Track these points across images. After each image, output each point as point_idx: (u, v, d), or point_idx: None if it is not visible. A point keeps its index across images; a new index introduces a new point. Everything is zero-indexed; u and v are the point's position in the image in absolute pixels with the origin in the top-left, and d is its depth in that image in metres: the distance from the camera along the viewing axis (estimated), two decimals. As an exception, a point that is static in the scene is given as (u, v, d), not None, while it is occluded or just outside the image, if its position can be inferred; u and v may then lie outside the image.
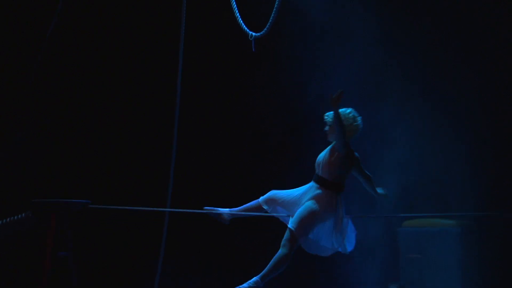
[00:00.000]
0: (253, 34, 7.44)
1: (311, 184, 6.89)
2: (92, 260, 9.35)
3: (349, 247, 6.90)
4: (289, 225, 6.72)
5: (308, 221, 6.67)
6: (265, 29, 7.31)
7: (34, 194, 7.77)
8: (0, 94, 9.47)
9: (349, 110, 6.88)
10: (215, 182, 10.07)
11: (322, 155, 6.89)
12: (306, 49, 10.10)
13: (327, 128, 6.89)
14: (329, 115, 6.83)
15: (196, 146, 9.99)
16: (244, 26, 7.46)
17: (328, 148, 6.90)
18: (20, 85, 9.44)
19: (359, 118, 6.91)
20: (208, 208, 7.00)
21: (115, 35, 10.02)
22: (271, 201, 6.97)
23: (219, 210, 7.00)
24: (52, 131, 9.60)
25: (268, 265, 6.64)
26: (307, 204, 6.75)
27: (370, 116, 9.26)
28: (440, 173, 9.55)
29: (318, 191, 6.78)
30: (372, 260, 9.41)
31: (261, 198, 7.02)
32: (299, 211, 6.75)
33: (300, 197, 6.87)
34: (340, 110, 6.69)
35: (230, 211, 7.01)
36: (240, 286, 6.58)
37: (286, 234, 6.72)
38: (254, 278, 6.61)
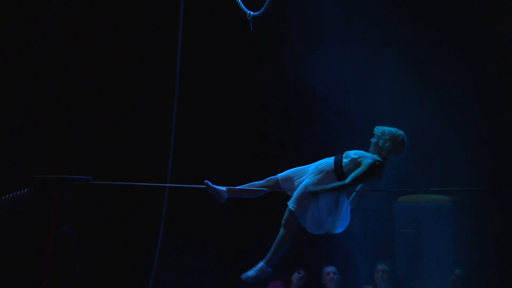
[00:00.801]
0: (251, 13, 7.44)
1: (331, 164, 6.69)
2: (94, 235, 9.43)
3: (340, 228, 6.79)
4: (288, 204, 6.66)
5: (305, 199, 6.59)
6: (263, 8, 7.28)
7: (37, 170, 7.75)
8: (2, 71, 9.48)
9: (400, 132, 6.65)
10: (215, 157, 10.06)
11: (353, 155, 6.63)
12: (305, 29, 10.12)
13: (374, 139, 6.67)
14: (379, 129, 6.66)
15: (196, 121, 10.05)
16: (242, 5, 7.45)
17: (365, 161, 6.58)
18: (22, 63, 9.54)
19: (406, 144, 6.67)
20: (209, 184, 6.85)
21: (114, 14, 10.04)
22: (287, 180, 6.84)
23: (217, 188, 6.88)
24: (54, 108, 9.64)
25: (271, 248, 6.60)
26: (306, 181, 6.67)
27: (364, 91, 9.70)
28: (433, 148, 9.57)
29: (325, 172, 6.65)
30: (367, 235, 9.45)
31: (280, 175, 6.89)
32: (297, 189, 6.69)
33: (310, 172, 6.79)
34: (392, 129, 6.61)
35: (227, 189, 6.90)
36: (247, 274, 6.59)
37: (286, 213, 6.65)
38: (259, 264, 6.60)
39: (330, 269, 9.39)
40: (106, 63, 9.85)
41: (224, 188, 6.87)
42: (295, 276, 9.36)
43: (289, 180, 6.81)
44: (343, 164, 6.59)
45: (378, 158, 6.53)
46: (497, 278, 9.38)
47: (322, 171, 6.66)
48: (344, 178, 6.55)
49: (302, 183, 6.70)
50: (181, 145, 9.14)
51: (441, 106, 9.65)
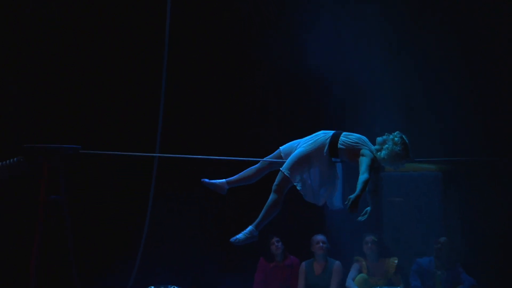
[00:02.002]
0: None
1: (327, 137, 6.71)
2: (85, 204, 9.41)
3: (339, 203, 6.87)
4: (281, 169, 6.69)
5: (298, 161, 6.64)
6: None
7: (26, 139, 7.78)
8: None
9: (398, 139, 6.56)
10: (204, 127, 10.04)
11: (352, 141, 6.65)
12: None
13: (385, 138, 6.60)
14: (385, 138, 6.59)
15: (186, 90, 9.97)
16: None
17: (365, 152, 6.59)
18: (10, 32, 9.45)
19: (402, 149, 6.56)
20: (205, 181, 6.94)
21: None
22: (290, 152, 6.84)
23: (215, 182, 6.94)
24: (44, 77, 9.53)
25: (261, 213, 6.64)
26: (299, 149, 6.74)
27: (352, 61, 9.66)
28: (422, 118, 9.58)
29: (319, 144, 6.70)
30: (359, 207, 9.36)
31: (282, 148, 6.94)
32: (292, 155, 6.74)
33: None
34: (392, 136, 6.56)
35: (226, 180, 6.97)
36: (236, 236, 6.60)
37: (277, 178, 6.70)
38: (249, 228, 6.63)
39: (319, 237, 9.44)
40: (96, 33, 9.73)
41: (223, 180, 6.95)
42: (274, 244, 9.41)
43: (291, 152, 6.83)
44: (339, 141, 6.63)
45: (374, 152, 6.57)
46: (482, 246, 9.44)
47: (316, 141, 6.71)
48: (336, 155, 6.65)
49: (296, 150, 6.76)
50: (170, 115, 9.28)
51: (430, 76, 9.68)
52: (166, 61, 8.79)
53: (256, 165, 6.99)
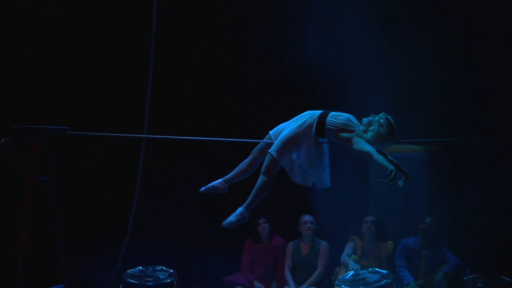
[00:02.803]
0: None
1: (314, 117, 6.68)
2: (71, 186, 9.32)
3: (328, 181, 6.89)
4: (270, 151, 6.67)
5: (286, 143, 6.63)
6: None
7: (14, 120, 7.70)
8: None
9: (384, 120, 6.51)
10: (192, 108, 10.03)
11: (340, 122, 6.60)
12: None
13: (370, 119, 6.57)
14: (371, 119, 6.54)
15: (174, 71, 9.93)
16: None
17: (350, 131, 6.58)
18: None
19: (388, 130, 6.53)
20: (203, 189, 6.91)
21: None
22: (279, 134, 6.79)
23: (212, 184, 6.91)
24: (31, 58, 9.46)
25: (251, 194, 6.65)
26: (289, 128, 6.73)
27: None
28: (408, 99, 9.57)
29: (307, 124, 6.68)
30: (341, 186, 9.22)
31: (271, 131, 6.89)
32: (279, 137, 6.72)
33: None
34: (378, 118, 6.53)
35: (223, 179, 6.92)
36: (227, 220, 6.61)
37: (266, 160, 6.69)
38: (239, 209, 6.65)
39: (307, 218, 9.48)
40: (82, 13, 9.66)
41: (220, 180, 6.92)
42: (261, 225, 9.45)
43: (280, 134, 6.80)
44: (326, 122, 6.61)
45: (361, 134, 6.56)
46: (467, 226, 9.52)
47: (303, 122, 6.69)
48: (324, 136, 6.63)
49: (284, 131, 6.74)
50: (158, 96, 9.33)
51: (416, 57, 9.64)
52: (154, 42, 8.80)
53: (249, 157, 6.98)
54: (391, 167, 6.19)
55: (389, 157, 6.81)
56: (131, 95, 9.61)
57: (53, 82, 9.55)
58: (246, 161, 6.96)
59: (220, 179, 6.93)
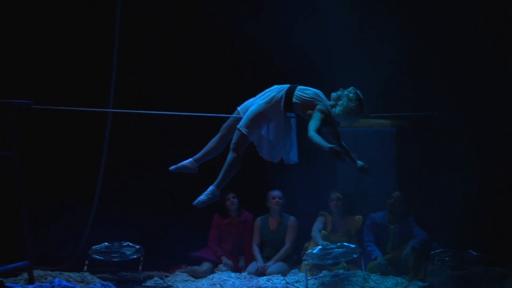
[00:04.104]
0: None
1: (282, 93, 6.70)
2: (36, 160, 9.35)
3: (295, 157, 6.94)
4: (238, 127, 6.68)
5: (255, 118, 6.64)
6: None
7: None
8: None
9: (353, 95, 6.55)
10: (159, 81, 9.96)
11: (307, 96, 6.64)
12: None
13: (339, 93, 6.61)
14: (340, 94, 6.59)
15: (140, 44, 9.85)
16: None
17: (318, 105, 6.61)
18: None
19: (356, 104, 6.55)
20: (173, 168, 6.90)
21: None
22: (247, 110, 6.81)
23: (183, 164, 6.90)
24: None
25: (221, 172, 6.66)
26: (257, 103, 6.74)
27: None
28: (376, 72, 9.50)
29: (274, 100, 6.68)
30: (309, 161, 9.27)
31: (239, 107, 6.90)
32: (247, 112, 6.73)
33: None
34: (346, 92, 6.56)
35: (193, 159, 6.90)
36: (198, 199, 6.62)
37: (235, 136, 6.71)
38: (210, 188, 6.66)
39: (275, 193, 9.47)
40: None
41: (190, 160, 6.89)
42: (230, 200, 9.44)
43: (248, 109, 6.80)
44: (294, 96, 6.62)
45: (329, 108, 6.57)
46: (435, 200, 9.54)
47: (272, 97, 6.69)
48: (291, 110, 6.66)
49: (251, 107, 6.74)
50: (125, 70, 9.17)
51: (385, 30, 9.60)
52: (119, 14, 8.72)
53: (217, 134, 6.95)
54: (327, 145, 6.18)
55: (342, 142, 6.87)
56: (97, 69, 9.49)
57: (17, 55, 9.47)
58: (215, 139, 6.93)
59: (190, 159, 6.89)
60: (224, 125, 6.94)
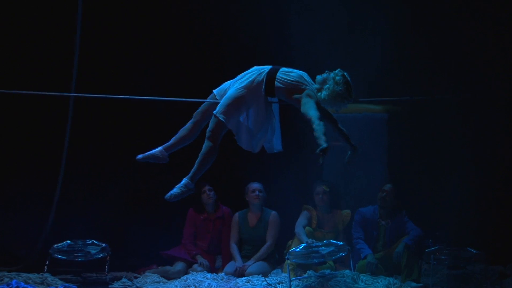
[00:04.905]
0: None
1: (263, 75, 6.51)
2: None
3: (278, 146, 6.79)
4: (215, 113, 6.50)
5: (233, 103, 6.45)
6: None
7: None
8: None
9: (340, 77, 6.40)
10: (122, 65, 9.68)
11: (292, 79, 6.46)
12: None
13: (325, 76, 6.47)
14: (326, 77, 6.45)
15: (106, 25, 9.61)
16: None
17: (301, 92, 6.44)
18: None
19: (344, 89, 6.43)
20: (140, 157, 6.68)
21: None
22: (224, 93, 6.65)
23: (151, 153, 6.69)
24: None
25: (196, 163, 6.51)
26: (235, 87, 6.55)
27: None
28: (366, 54, 9.34)
29: (255, 82, 6.49)
30: (298, 152, 9.28)
31: (215, 90, 6.74)
32: (224, 97, 6.57)
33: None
34: (333, 75, 6.42)
35: (163, 147, 6.72)
36: (171, 192, 6.46)
37: (211, 123, 6.53)
38: (184, 180, 6.51)
39: (255, 185, 9.20)
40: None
41: (159, 148, 6.72)
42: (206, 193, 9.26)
43: (226, 93, 6.66)
44: (276, 79, 6.47)
45: (315, 92, 6.47)
46: (430, 193, 9.38)
47: (252, 80, 6.52)
48: (273, 95, 6.50)
49: (228, 91, 6.58)
50: (87, 53, 9.05)
51: (375, 11, 9.44)
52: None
53: (190, 121, 6.76)
54: (324, 144, 6.08)
55: (340, 126, 6.84)
56: (59, 52, 9.33)
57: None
58: (187, 125, 6.74)
59: (160, 147, 6.72)
60: (198, 110, 6.75)
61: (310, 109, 6.25)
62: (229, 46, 9.82)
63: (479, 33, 9.26)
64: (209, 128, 6.50)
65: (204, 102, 6.71)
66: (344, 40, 9.44)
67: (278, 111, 6.71)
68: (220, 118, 6.40)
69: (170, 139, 6.72)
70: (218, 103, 6.56)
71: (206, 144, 6.47)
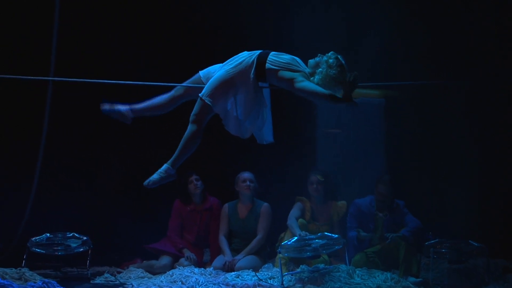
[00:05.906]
0: None
1: (253, 58, 6.37)
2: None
3: (270, 136, 6.66)
4: (200, 95, 6.36)
5: (220, 86, 6.30)
6: None
7: None
8: None
9: (333, 60, 6.24)
10: (101, 50, 9.60)
11: (283, 61, 6.31)
12: None
13: (317, 60, 6.33)
14: (318, 60, 6.31)
15: (82, 13, 9.52)
16: None
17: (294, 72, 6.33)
18: None
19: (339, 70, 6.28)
20: (105, 109, 6.56)
21: None
22: (211, 76, 6.52)
23: (118, 108, 6.56)
24: None
25: (178, 148, 6.40)
26: (224, 69, 6.44)
27: None
28: (362, 36, 9.28)
29: (244, 65, 6.36)
30: (291, 140, 9.23)
31: (201, 72, 6.61)
32: (211, 79, 6.44)
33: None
34: (326, 58, 6.26)
35: (131, 108, 6.60)
36: (150, 178, 6.34)
37: (196, 106, 6.40)
38: (164, 166, 6.39)
39: (246, 175, 9.06)
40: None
41: (127, 107, 6.58)
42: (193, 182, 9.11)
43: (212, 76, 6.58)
44: (267, 60, 6.34)
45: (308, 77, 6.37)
46: (429, 183, 9.32)
47: (241, 63, 6.40)
48: (264, 79, 6.40)
49: (216, 73, 6.46)
50: (65, 37, 9.03)
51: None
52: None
53: (170, 92, 6.63)
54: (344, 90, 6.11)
55: None
56: (38, 35, 9.27)
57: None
58: (165, 96, 6.60)
59: (128, 107, 6.59)
60: (182, 85, 6.61)
61: (310, 84, 6.18)
62: (217, 31, 9.76)
63: (480, 16, 9.19)
64: (193, 111, 6.37)
65: (190, 79, 6.55)
66: (341, 24, 9.33)
67: (269, 99, 6.58)
68: (206, 101, 6.26)
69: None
70: (211, 75, 6.47)
71: (189, 128, 6.34)
